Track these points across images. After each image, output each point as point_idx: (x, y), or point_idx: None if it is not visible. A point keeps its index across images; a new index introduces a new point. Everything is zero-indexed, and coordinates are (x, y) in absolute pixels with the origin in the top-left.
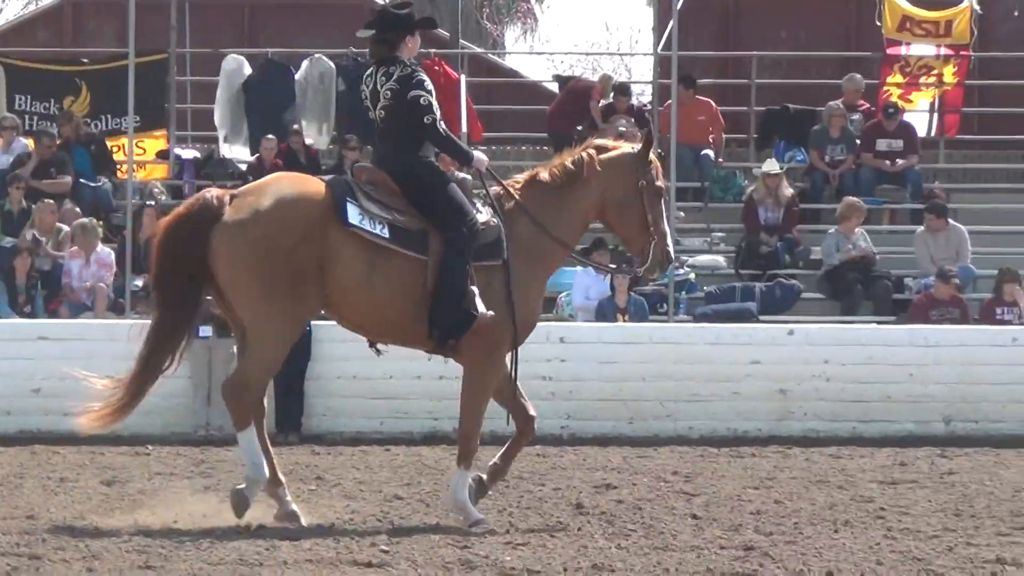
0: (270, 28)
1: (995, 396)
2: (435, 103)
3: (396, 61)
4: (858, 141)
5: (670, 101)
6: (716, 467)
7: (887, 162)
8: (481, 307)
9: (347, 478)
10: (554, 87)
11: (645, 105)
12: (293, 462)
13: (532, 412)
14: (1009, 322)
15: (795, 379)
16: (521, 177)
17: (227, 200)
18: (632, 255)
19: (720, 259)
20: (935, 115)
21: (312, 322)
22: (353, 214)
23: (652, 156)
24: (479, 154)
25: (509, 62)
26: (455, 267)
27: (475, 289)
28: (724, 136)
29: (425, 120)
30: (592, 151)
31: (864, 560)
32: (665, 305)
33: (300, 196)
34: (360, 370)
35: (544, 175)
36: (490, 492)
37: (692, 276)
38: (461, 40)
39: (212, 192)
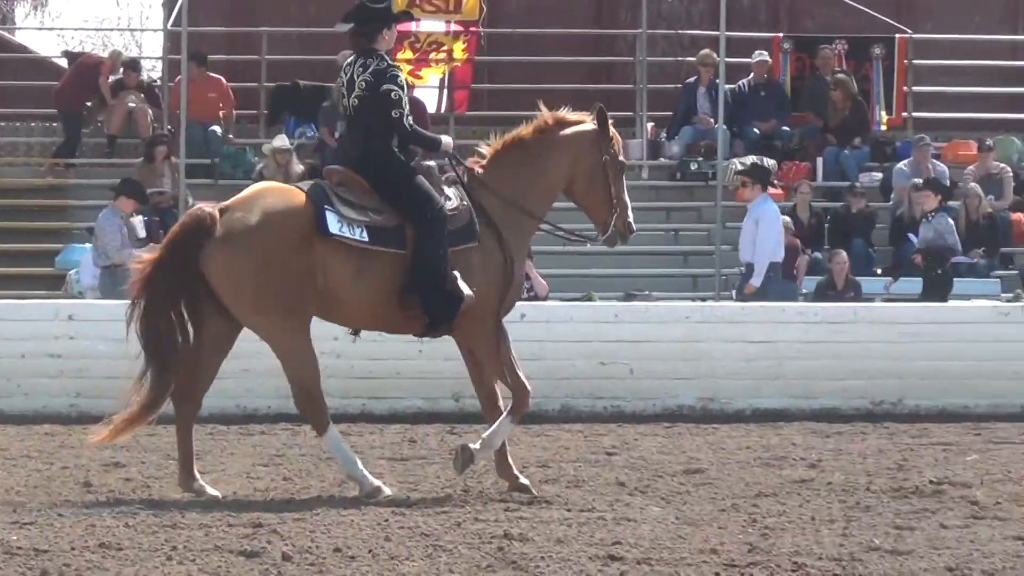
0: None
1: None
2: (405, 98)
3: (373, 53)
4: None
5: (180, 77)
6: (226, 445)
7: None
8: (465, 288)
9: None
10: (64, 63)
11: (155, 81)
12: None
13: (500, 405)
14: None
15: None
16: (486, 152)
17: (218, 216)
18: (595, 226)
19: None
20: (445, 91)
21: None
22: (332, 222)
23: (613, 131)
24: (446, 138)
25: (19, 37)
26: (432, 254)
27: (456, 273)
28: (235, 112)
29: (393, 114)
30: (550, 123)
31: (372, 536)
32: None
33: (286, 207)
34: None
35: (507, 146)
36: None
37: None
38: None
39: (204, 208)
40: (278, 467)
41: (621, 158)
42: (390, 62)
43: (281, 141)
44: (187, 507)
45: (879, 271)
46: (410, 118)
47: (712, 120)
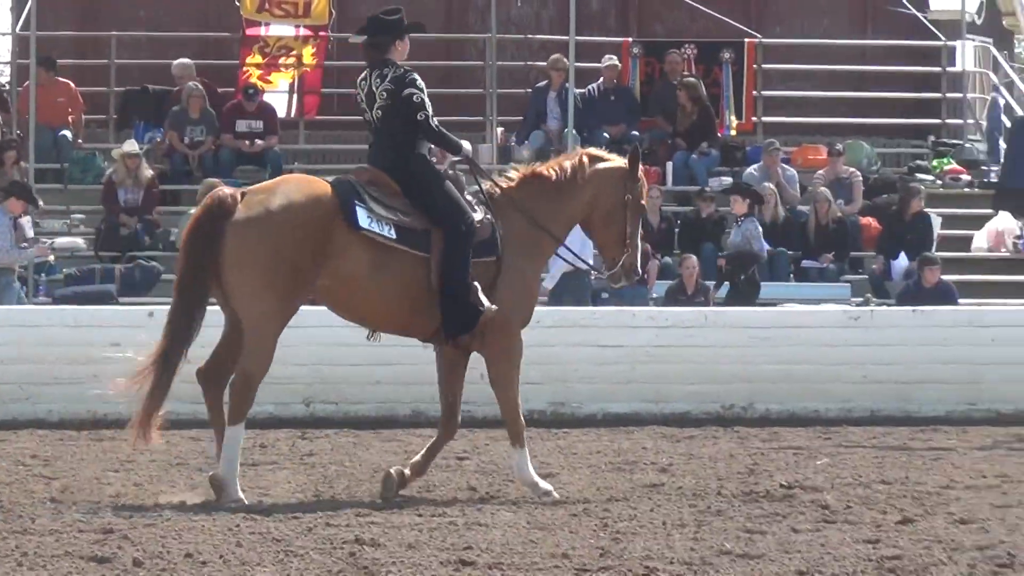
0: None
1: (355, 377)
2: (427, 100)
3: (388, 63)
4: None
5: (29, 82)
6: (76, 450)
7: (247, 143)
8: (486, 301)
9: None
10: None
11: (3, 85)
12: None
13: (458, 418)
14: None
15: None
16: (515, 175)
17: (239, 198)
18: (603, 261)
19: (80, 241)
20: (295, 96)
21: None
22: (363, 217)
23: (641, 174)
24: (466, 143)
25: None
26: (457, 263)
27: (478, 285)
28: (84, 117)
29: (419, 116)
30: (586, 158)
31: (224, 542)
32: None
33: (308, 197)
34: None
35: (542, 172)
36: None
37: (52, 258)
38: None
39: (226, 190)
40: (129, 473)
41: (643, 201)
42: (406, 68)
43: (131, 146)
44: (38, 513)
45: None
46: (435, 119)
47: (557, 131)
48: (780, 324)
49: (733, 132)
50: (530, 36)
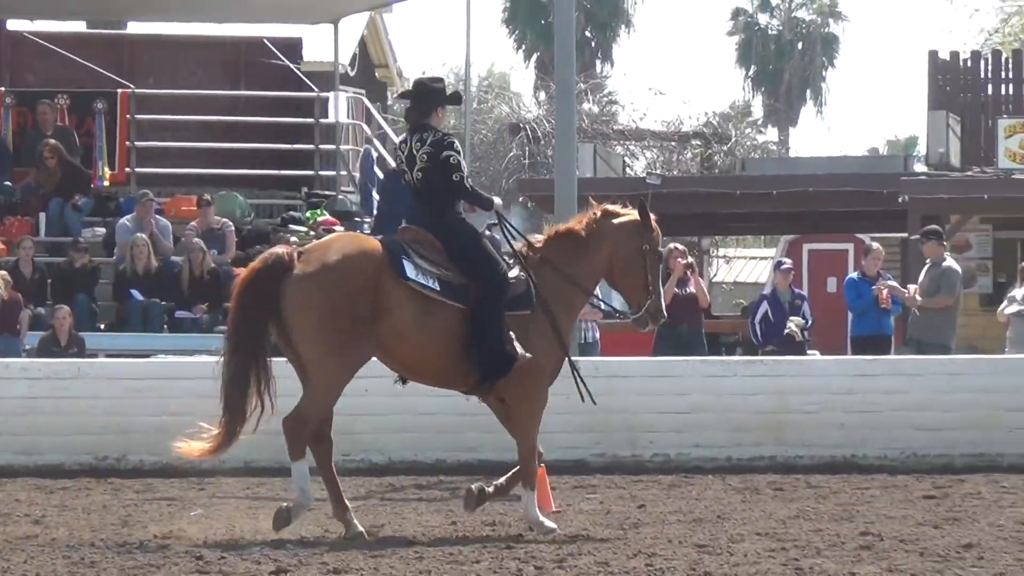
0: None
1: None
2: (463, 162)
3: (428, 128)
4: None
5: None
6: None
7: None
8: (520, 349)
9: None
10: None
11: None
12: None
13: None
14: None
15: None
16: (542, 235)
17: (296, 256)
18: (629, 306)
19: None
20: None
21: None
22: (410, 270)
23: (654, 224)
24: (496, 199)
25: None
26: (492, 312)
27: (512, 334)
28: None
29: (454, 178)
30: (600, 212)
31: None
32: None
33: (361, 252)
34: None
35: (565, 230)
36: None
37: None
38: None
39: (282, 248)
40: None
41: (660, 249)
42: (445, 133)
43: None
44: None
45: (102, 326)
46: (469, 180)
47: None
48: (155, 375)
49: (107, 183)
50: None
